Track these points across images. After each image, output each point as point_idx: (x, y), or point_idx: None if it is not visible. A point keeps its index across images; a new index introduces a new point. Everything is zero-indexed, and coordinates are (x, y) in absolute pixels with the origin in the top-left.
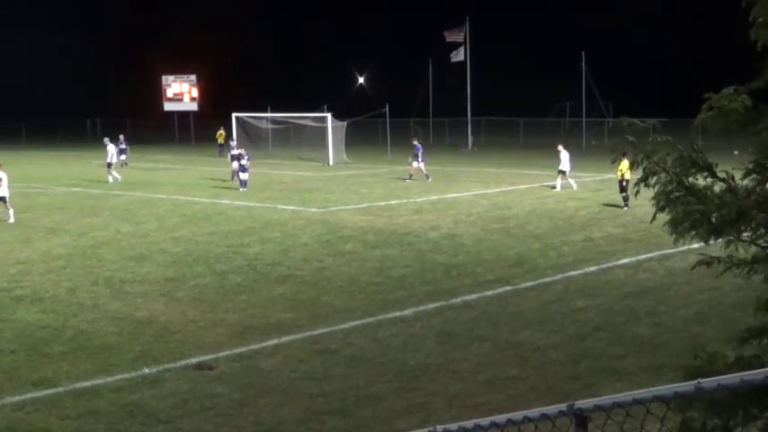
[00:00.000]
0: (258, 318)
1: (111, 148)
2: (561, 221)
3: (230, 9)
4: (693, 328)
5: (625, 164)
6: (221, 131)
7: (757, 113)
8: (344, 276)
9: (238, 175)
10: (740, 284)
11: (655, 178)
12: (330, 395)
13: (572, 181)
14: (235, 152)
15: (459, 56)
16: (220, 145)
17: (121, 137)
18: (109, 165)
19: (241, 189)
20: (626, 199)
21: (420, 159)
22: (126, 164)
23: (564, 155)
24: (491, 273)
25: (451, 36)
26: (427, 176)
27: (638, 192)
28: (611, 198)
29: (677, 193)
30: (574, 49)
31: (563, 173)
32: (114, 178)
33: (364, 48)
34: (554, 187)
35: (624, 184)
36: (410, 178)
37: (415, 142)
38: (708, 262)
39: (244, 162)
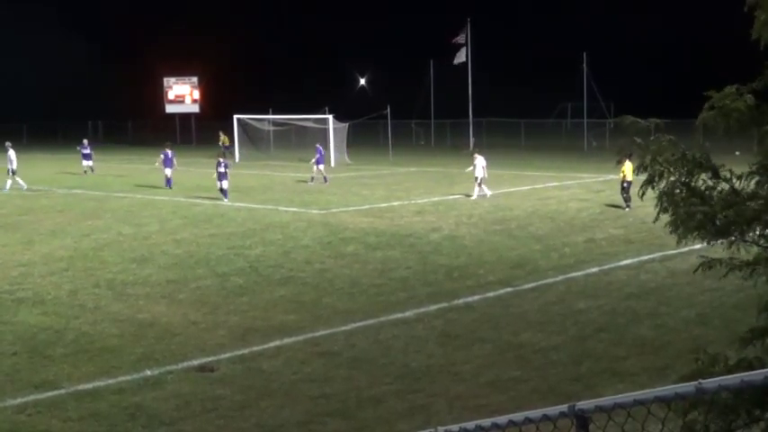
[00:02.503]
0: (260, 319)
1: (12, 153)
2: (563, 222)
3: (231, 11)
4: (695, 330)
5: (628, 165)
6: (224, 137)
7: (760, 113)
8: (346, 278)
9: (219, 184)
10: (742, 285)
11: (663, 181)
12: (332, 397)
13: (481, 189)
14: (169, 153)
15: (460, 57)
16: (226, 147)
17: (85, 141)
18: (12, 172)
19: (224, 200)
20: (627, 200)
21: (318, 161)
22: (92, 170)
23: (480, 161)
24: (492, 274)
25: (454, 39)
26: (320, 178)
27: (643, 194)
28: (613, 199)
29: (681, 194)
30: (575, 50)
31: (479, 179)
32: (19, 185)
33: (366, 49)
34: (482, 195)
35: (625, 185)
36: (312, 181)
37: (318, 145)
38: (709, 265)
39: (222, 169)
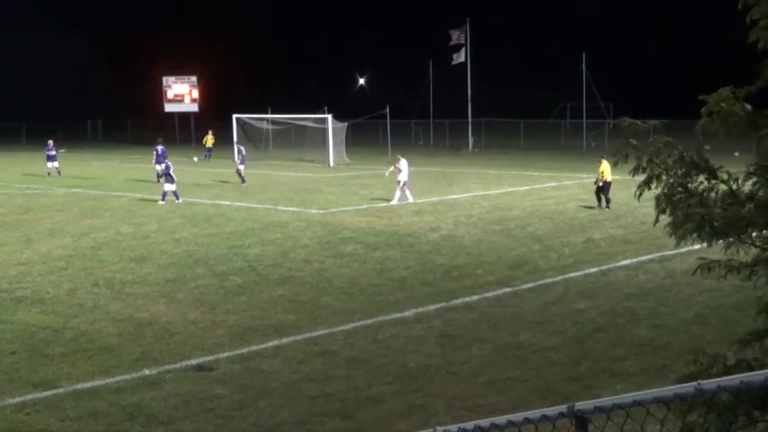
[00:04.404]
0: (258, 319)
1: None
2: (562, 223)
3: (231, 10)
4: (694, 330)
5: (606, 166)
6: (209, 136)
7: (757, 117)
8: (345, 278)
9: (164, 187)
10: (740, 286)
11: (662, 183)
12: (330, 397)
13: (408, 193)
14: (159, 149)
15: (459, 57)
16: (209, 149)
17: (51, 142)
18: None
19: (160, 202)
20: (608, 201)
21: (240, 162)
22: (59, 172)
23: (403, 164)
24: (491, 274)
25: (453, 38)
26: (243, 180)
27: (640, 194)
28: (612, 199)
29: (679, 196)
30: (574, 51)
31: (402, 183)
32: None
33: (365, 49)
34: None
35: (602, 185)
36: (243, 182)
37: (241, 146)
38: (708, 266)
39: (171, 172)
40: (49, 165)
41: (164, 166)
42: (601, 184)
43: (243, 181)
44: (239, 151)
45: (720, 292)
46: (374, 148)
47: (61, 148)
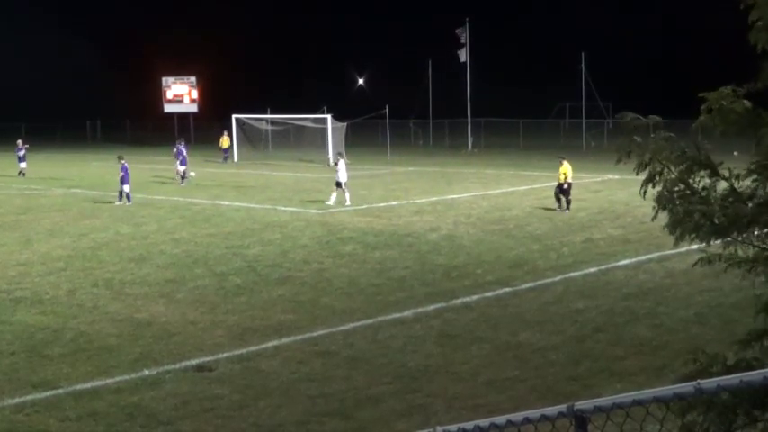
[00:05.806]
0: (258, 319)
1: None
2: (561, 222)
3: (230, 10)
4: (693, 329)
5: (568, 167)
6: (225, 137)
7: (757, 116)
8: (344, 278)
9: (121, 186)
10: (740, 285)
11: (664, 179)
12: (330, 396)
13: (347, 195)
14: (181, 148)
15: (460, 56)
16: (225, 150)
17: (19, 142)
18: None
19: (117, 203)
20: (568, 202)
21: (181, 162)
22: (23, 174)
23: (341, 165)
24: (491, 274)
25: (461, 37)
26: (182, 179)
27: (645, 192)
28: (611, 199)
29: (680, 192)
30: (573, 51)
31: (339, 185)
32: None
33: (364, 49)
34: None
35: (566, 186)
36: (185, 179)
37: (181, 146)
38: (709, 260)
39: (127, 173)
40: (22, 165)
41: (183, 168)
42: (566, 186)
43: (181, 181)
44: (179, 152)
45: (720, 292)
46: (373, 149)
47: (61, 147)
